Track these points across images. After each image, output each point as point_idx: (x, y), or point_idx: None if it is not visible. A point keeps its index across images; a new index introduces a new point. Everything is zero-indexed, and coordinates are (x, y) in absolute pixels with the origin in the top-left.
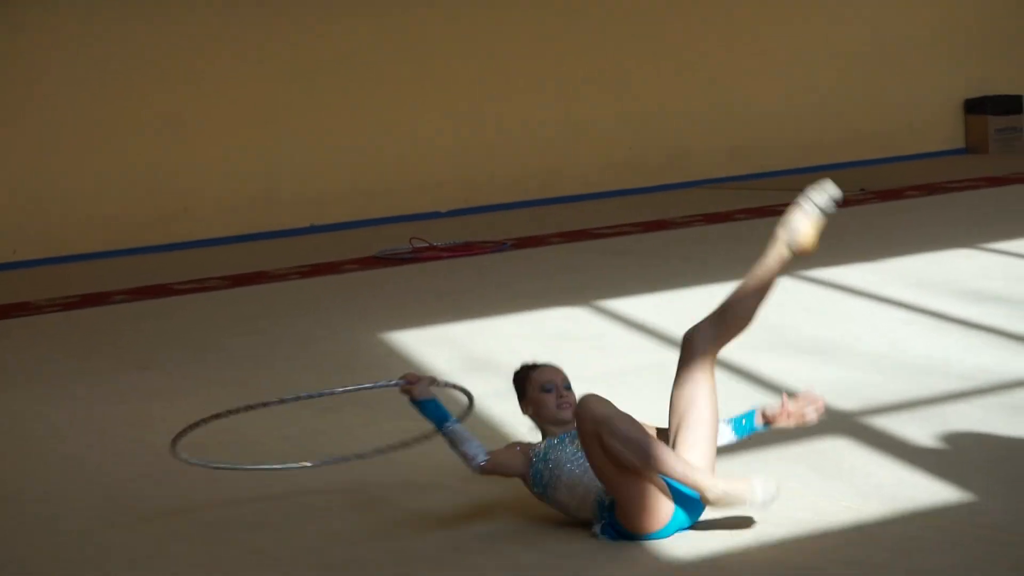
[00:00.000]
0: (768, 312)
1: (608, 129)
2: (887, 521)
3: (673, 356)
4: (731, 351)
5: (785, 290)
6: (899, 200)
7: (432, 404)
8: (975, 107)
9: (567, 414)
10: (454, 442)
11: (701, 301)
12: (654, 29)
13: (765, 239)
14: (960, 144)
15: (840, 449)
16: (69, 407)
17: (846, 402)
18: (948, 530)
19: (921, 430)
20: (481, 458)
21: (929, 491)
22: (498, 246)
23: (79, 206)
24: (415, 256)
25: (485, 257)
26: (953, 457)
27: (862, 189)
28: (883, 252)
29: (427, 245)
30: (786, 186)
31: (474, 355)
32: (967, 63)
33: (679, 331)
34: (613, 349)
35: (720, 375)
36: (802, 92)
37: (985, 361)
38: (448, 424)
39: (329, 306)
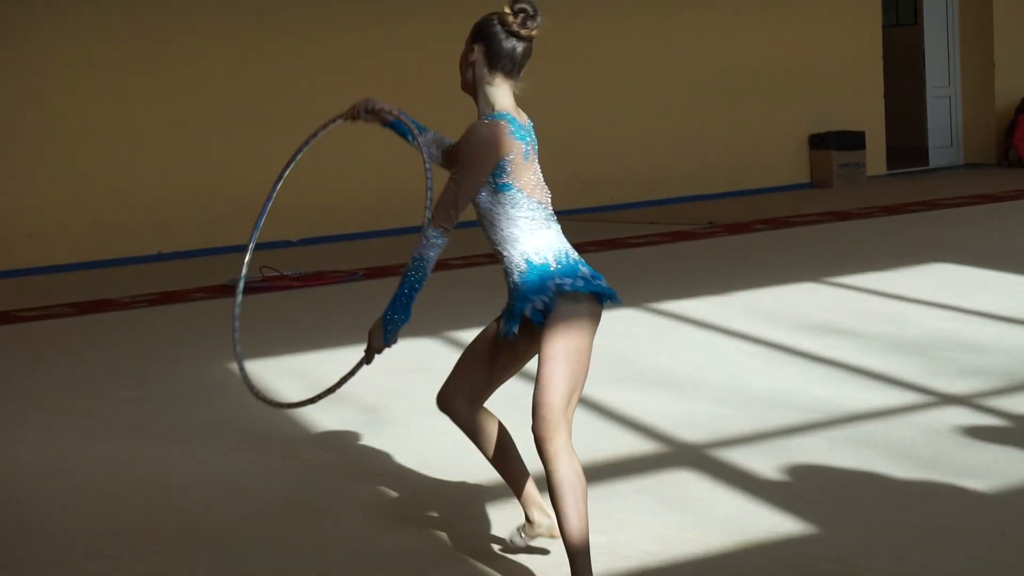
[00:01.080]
0: (616, 343)
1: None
2: (734, 553)
3: (522, 386)
4: None
5: (634, 321)
6: (746, 234)
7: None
8: (819, 142)
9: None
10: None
11: None
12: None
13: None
14: (806, 179)
15: (687, 481)
16: None
17: (692, 434)
18: (793, 561)
19: (766, 462)
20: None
21: (774, 523)
22: (350, 275)
23: None
24: (266, 285)
25: (337, 286)
26: (798, 489)
27: (711, 222)
28: (730, 285)
29: (278, 274)
30: (635, 219)
31: (323, 385)
32: (812, 99)
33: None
34: None
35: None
36: (652, 125)
37: (829, 394)
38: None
39: (176, 335)
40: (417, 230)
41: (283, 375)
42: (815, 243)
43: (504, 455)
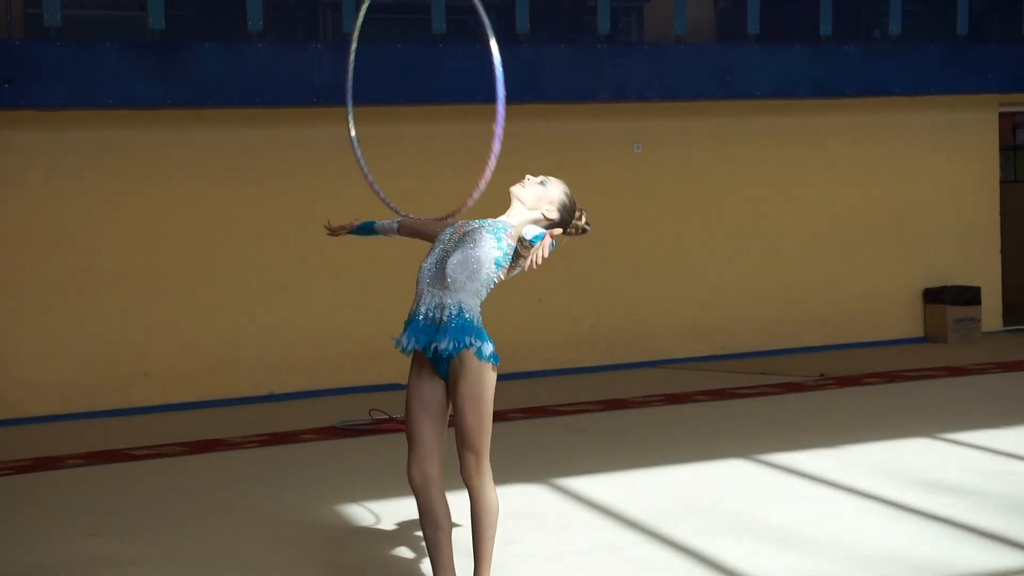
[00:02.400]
0: (727, 495)
1: (571, 306)
2: None
3: (631, 536)
4: (689, 535)
5: (745, 474)
6: (858, 387)
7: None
8: (934, 297)
9: (514, 187)
10: (382, 229)
11: (657, 482)
12: (622, 205)
13: (723, 422)
14: (919, 333)
15: None
16: (19, 572)
17: None
18: None
19: None
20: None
21: None
22: None
23: (34, 368)
24: (374, 427)
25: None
26: None
27: (822, 375)
28: (842, 439)
29: (387, 417)
30: (747, 368)
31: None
32: (926, 253)
33: (635, 512)
34: (570, 528)
35: (679, 560)
36: (765, 276)
37: (941, 553)
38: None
39: (286, 476)
40: (523, 376)
41: (391, 517)
42: (928, 398)
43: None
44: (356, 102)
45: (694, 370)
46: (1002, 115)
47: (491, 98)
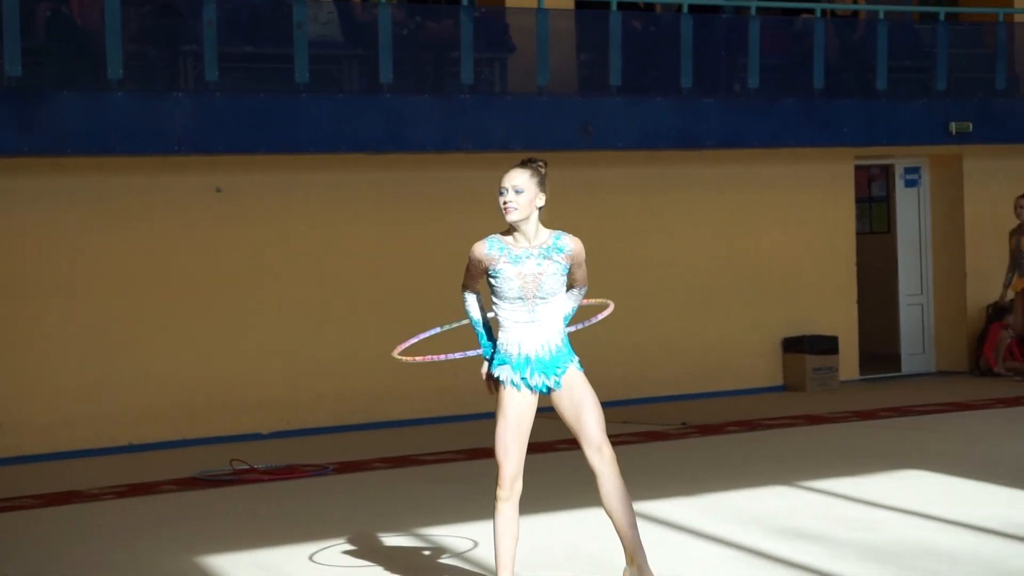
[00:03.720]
0: (589, 543)
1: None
2: None
3: None
4: None
5: (605, 521)
6: (719, 435)
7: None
8: (793, 346)
9: (509, 217)
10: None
11: (522, 531)
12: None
13: (584, 471)
14: (779, 382)
15: None
16: None
17: None
18: None
19: None
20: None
21: None
22: (320, 469)
23: None
24: (235, 478)
25: (307, 481)
26: None
27: (684, 423)
28: (703, 486)
29: (248, 467)
30: (610, 418)
31: None
32: (785, 303)
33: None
34: None
35: None
36: (627, 326)
37: None
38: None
39: (144, 528)
40: (386, 425)
41: (251, 570)
42: (787, 446)
43: None
44: (216, 151)
45: (555, 419)
46: (858, 168)
47: (355, 147)
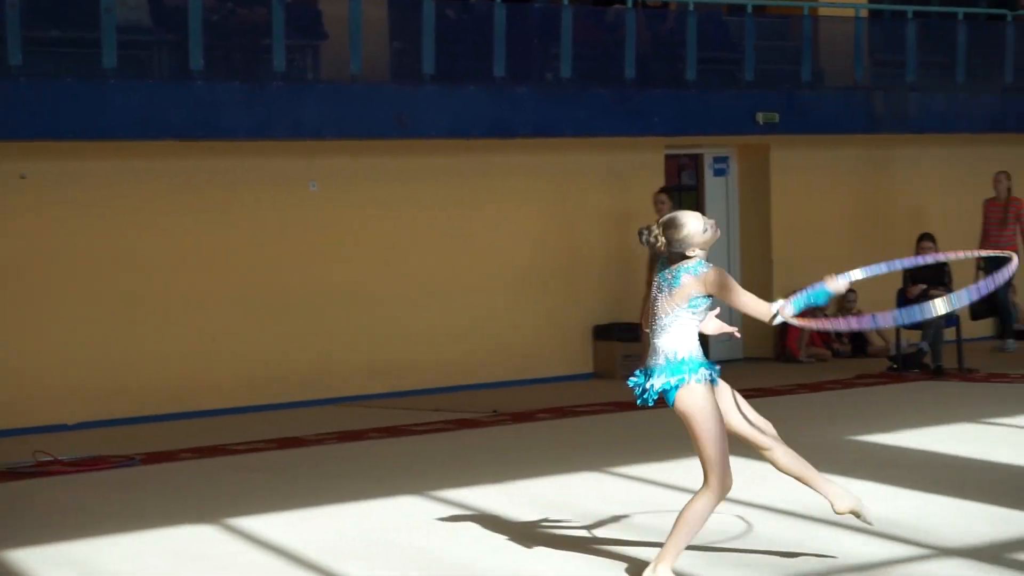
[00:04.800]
0: (400, 532)
1: (246, 344)
2: None
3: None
4: (361, 573)
5: (418, 511)
6: (531, 422)
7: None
8: (603, 333)
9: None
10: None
11: (330, 520)
12: (299, 243)
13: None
14: (589, 369)
15: None
16: None
17: None
18: None
19: None
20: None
21: None
22: (127, 460)
23: None
24: (39, 470)
25: (113, 472)
26: None
27: (495, 411)
28: (514, 474)
29: (52, 459)
30: (422, 405)
31: (100, 575)
32: (596, 291)
33: (308, 551)
34: (240, 570)
35: None
36: (440, 313)
37: None
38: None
39: None
40: (196, 415)
41: (55, 564)
42: (598, 433)
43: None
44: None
45: (369, 407)
46: (668, 157)
47: (165, 134)
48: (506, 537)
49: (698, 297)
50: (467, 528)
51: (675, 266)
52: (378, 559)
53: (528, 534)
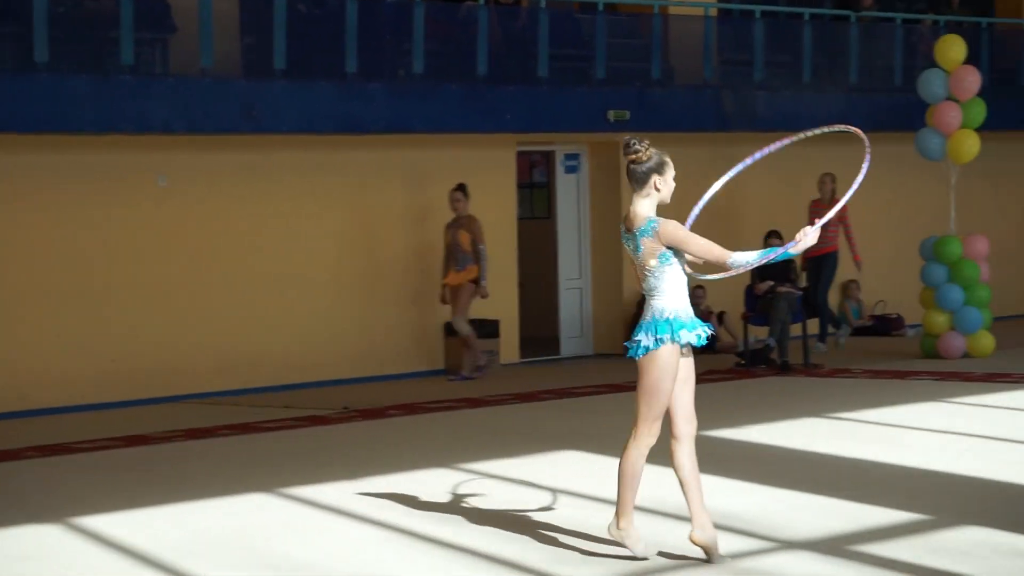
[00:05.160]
0: (249, 530)
1: (91, 340)
2: None
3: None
4: (211, 571)
5: (268, 508)
6: (381, 419)
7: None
8: (454, 330)
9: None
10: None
11: (178, 518)
12: (146, 239)
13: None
14: (440, 365)
15: None
16: None
17: None
18: None
19: None
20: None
21: None
22: None
23: None
24: None
25: None
26: None
27: (346, 407)
28: (364, 470)
29: None
30: (271, 402)
31: None
32: None
33: (155, 549)
34: (82, 571)
35: None
36: (289, 310)
37: None
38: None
39: None
40: (37, 413)
41: None
42: (449, 429)
43: None
44: None
45: (218, 405)
46: (520, 154)
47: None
48: (357, 534)
49: (664, 251)
50: (318, 526)
51: (630, 234)
52: (227, 558)
53: (379, 531)
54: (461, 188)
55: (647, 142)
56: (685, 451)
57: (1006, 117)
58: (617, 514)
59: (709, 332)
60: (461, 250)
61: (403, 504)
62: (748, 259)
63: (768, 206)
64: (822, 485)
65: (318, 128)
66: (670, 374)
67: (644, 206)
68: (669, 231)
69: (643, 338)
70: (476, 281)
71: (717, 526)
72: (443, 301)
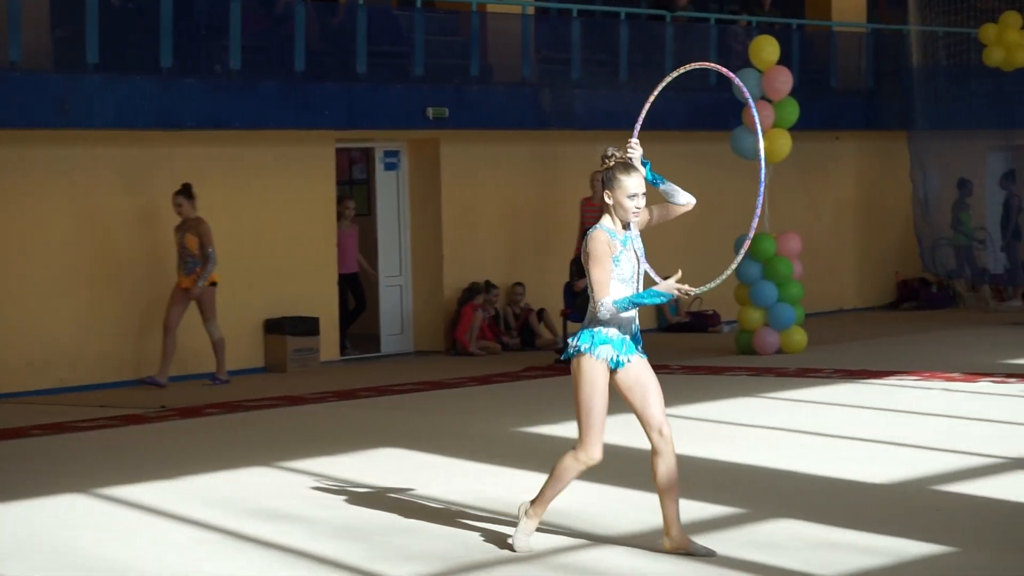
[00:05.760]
0: (63, 531)
1: None
2: None
3: None
4: (23, 574)
5: (82, 509)
6: (200, 417)
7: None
8: (274, 327)
9: (635, 220)
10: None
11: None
12: None
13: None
14: (260, 363)
15: None
16: None
17: None
18: None
19: None
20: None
21: None
22: None
23: None
24: None
25: None
26: None
27: (163, 406)
28: (181, 469)
29: None
30: (86, 401)
31: None
32: (267, 284)
33: None
34: None
35: None
36: (97, 306)
37: None
38: None
39: None
40: None
41: None
42: (268, 427)
43: None
44: None
45: (31, 404)
46: (339, 151)
47: None
48: (174, 534)
49: None
50: (134, 526)
51: None
52: (40, 559)
53: (197, 530)
54: (183, 191)
55: (619, 154)
56: (659, 462)
57: (816, 117)
58: (535, 500)
59: (635, 358)
60: (189, 254)
61: (221, 503)
62: (619, 304)
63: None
64: (638, 480)
65: (133, 123)
66: (594, 388)
67: (607, 213)
68: (587, 246)
69: (571, 341)
70: (214, 283)
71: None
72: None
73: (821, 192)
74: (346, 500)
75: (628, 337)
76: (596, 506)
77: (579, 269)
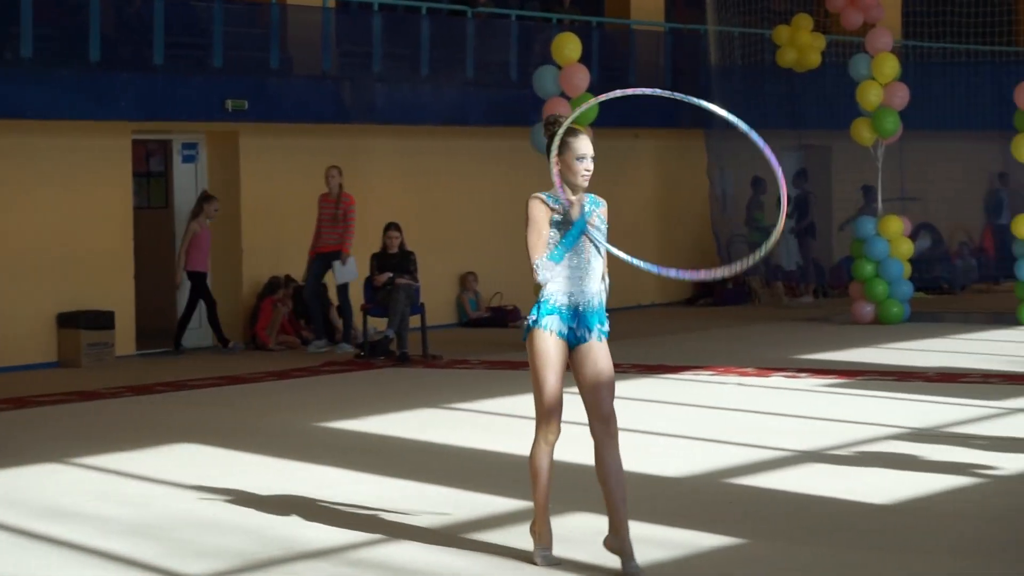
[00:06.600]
0: None
1: None
2: None
3: None
4: None
5: None
6: None
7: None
8: (68, 321)
9: (584, 183)
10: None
11: None
12: None
13: None
14: (53, 358)
15: None
16: None
17: None
18: None
19: None
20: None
21: None
22: None
23: None
24: None
25: None
26: None
27: None
28: None
29: None
30: None
31: None
32: (61, 278)
33: None
34: None
35: None
36: None
37: None
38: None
39: None
40: None
41: None
42: (60, 423)
43: None
44: None
45: None
46: (136, 142)
47: None
48: None
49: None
50: None
51: None
52: None
53: None
54: None
55: (562, 119)
56: (602, 454)
57: (615, 115)
58: (533, 519)
59: (594, 336)
60: None
61: (12, 502)
62: (545, 270)
63: (401, 194)
64: (437, 474)
65: None
66: (546, 362)
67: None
68: (527, 207)
69: (529, 316)
70: None
71: (336, 516)
72: None
73: (620, 189)
74: (140, 497)
75: (584, 309)
76: (394, 501)
77: (380, 263)
